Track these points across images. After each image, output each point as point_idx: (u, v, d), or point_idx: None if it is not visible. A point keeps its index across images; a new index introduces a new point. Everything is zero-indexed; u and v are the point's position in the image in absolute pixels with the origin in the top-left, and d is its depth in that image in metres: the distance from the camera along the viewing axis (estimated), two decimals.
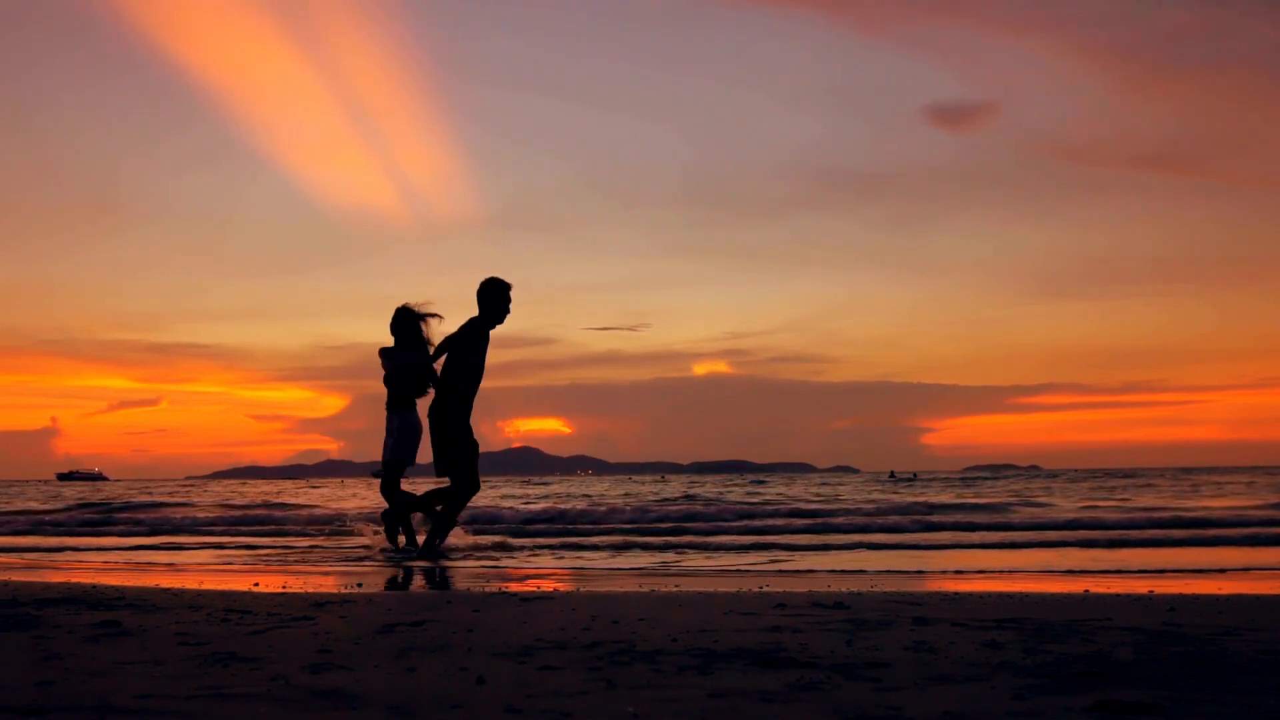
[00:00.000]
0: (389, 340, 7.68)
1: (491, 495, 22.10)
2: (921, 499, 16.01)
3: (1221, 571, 6.02)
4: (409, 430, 7.60)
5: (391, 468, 7.69)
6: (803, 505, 14.81)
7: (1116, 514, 12.05)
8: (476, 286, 7.30)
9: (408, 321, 7.63)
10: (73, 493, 28.94)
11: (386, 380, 7.61)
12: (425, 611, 3.62)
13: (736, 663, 2.52)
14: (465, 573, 6.11)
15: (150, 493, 29.38)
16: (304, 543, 9.39)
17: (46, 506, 18.43)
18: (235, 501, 19.47)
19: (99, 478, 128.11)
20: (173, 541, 10.03)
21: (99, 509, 16.10)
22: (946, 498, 17.58)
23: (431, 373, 7.51)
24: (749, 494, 21.35)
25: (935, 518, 11.86)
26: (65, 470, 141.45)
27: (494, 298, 7.25)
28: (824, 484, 35.51)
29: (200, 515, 14.33)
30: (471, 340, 7.23)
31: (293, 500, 20.06)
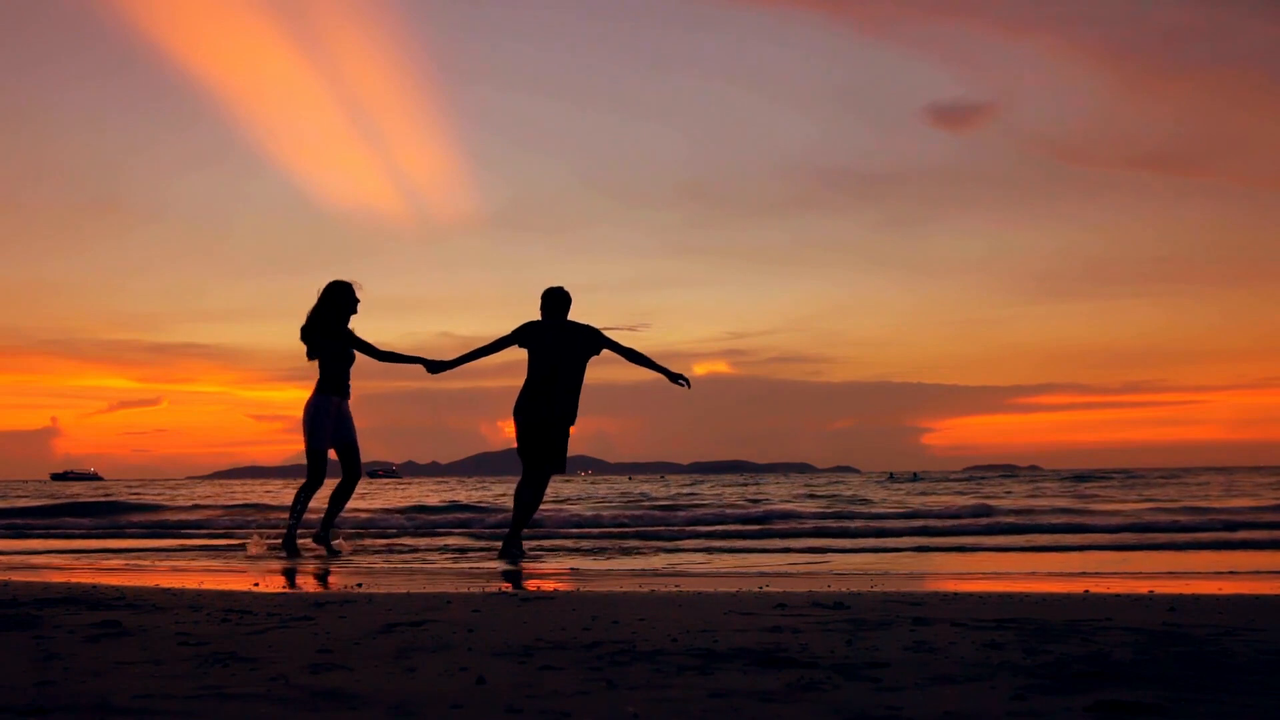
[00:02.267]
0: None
1: (493, 496, 22.09)
2: (984, 501, 15.63)
3: (1222, 574, 6.02)
4: None
5: None
6: (883, 509, 14.58)
7: (1164, 516, 11.83)
8: (541, 292, 7.54)
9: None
10: (66, 493, 28.82)
11: (338, 361, 7.50)
12: (425, 611, 3.62)
13: (736, 663, 2.52)
14: (466, 573, 6.11)
15: (138, 493, 29.29)
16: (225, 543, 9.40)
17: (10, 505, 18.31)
18: (209, 503, 19.30)
19: (94, 477, 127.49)
20: (106, 546, 10.00)
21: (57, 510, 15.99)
22: (1012, 501, 17.08)
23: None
24: (751, 495, 21.31)
25: (997, 520, 11.59)
26: (60, 470, 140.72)
27: (565, 305, 7.52)
28: (831, 483, 35.42)
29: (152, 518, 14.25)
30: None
31: (275, 501, 19.86)
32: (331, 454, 7.52)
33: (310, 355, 7.44)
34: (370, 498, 22.28)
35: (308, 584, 5.35)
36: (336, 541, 7.66)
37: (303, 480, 7.53)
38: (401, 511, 15.20)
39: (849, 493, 22.68)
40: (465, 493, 25.77)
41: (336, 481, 7.66)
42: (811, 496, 20.45)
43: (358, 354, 7.55)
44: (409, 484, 50.56)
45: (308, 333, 7.42)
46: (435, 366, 7.51)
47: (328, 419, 7.42)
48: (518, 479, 7.44)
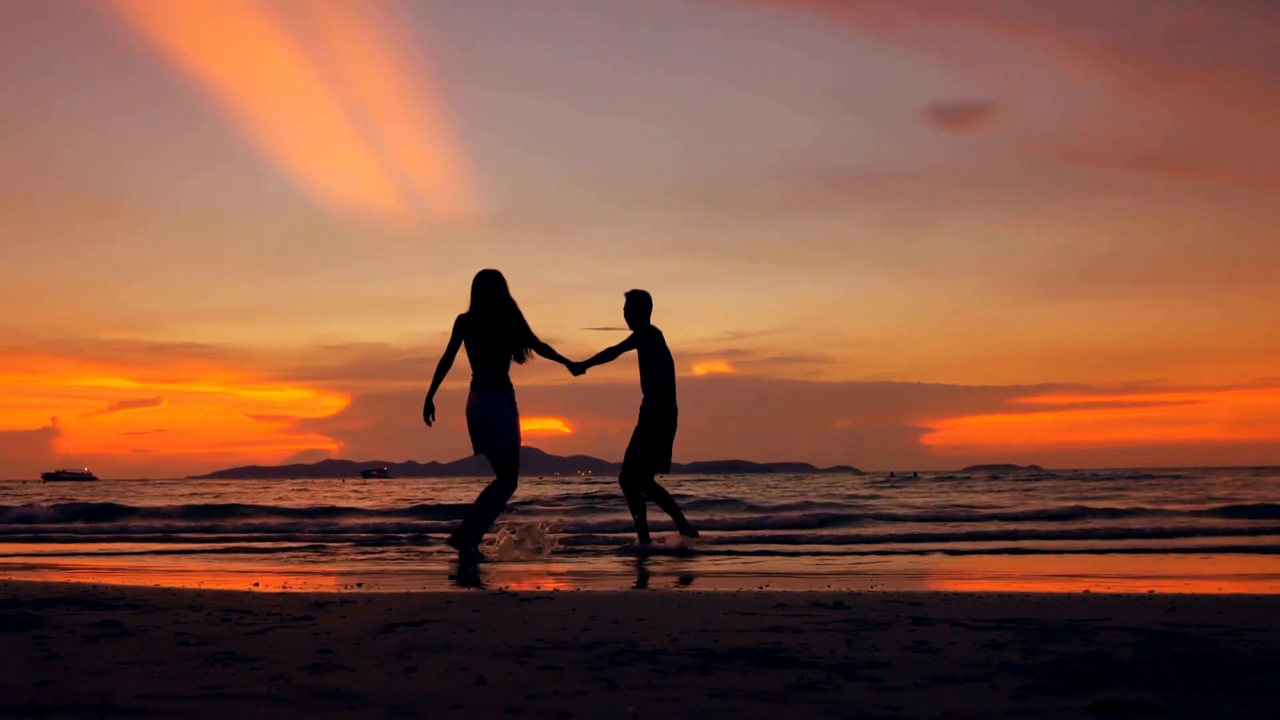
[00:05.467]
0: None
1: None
2: (1073, 503, 15.21)
3: (1222, 574, 6.02)
4: None
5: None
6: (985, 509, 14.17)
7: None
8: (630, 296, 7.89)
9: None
10: (57, 494, 28.52)
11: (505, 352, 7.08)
12: (425, 611, 3.62)
13: (736, 663, 2.52)
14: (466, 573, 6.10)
15: (135, 493, 29.16)
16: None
17: None
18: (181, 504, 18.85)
19: (88, 478, 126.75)
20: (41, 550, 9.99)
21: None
22: (1105, 502, 16.54)
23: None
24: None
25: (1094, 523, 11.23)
26: (53, 470, 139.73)
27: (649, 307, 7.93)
28: (834, 483, 35.35)
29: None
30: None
31: (248, 502, 19.32)
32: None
33: (510, 351, 7.06)
34: (369, 498, 22.29)
35: (307, 584, 5.35)
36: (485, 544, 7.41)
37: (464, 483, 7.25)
38: (401, 513, 15.21)
39: (868, 493, 22.59)
40: (461, 493, 25.76)
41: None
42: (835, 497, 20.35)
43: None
44: (405, 484, 50.56)
45: (516, 328, 7.05)
46: (577, 368, 7.62)
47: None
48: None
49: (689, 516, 8.72)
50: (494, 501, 7.13)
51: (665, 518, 8.33)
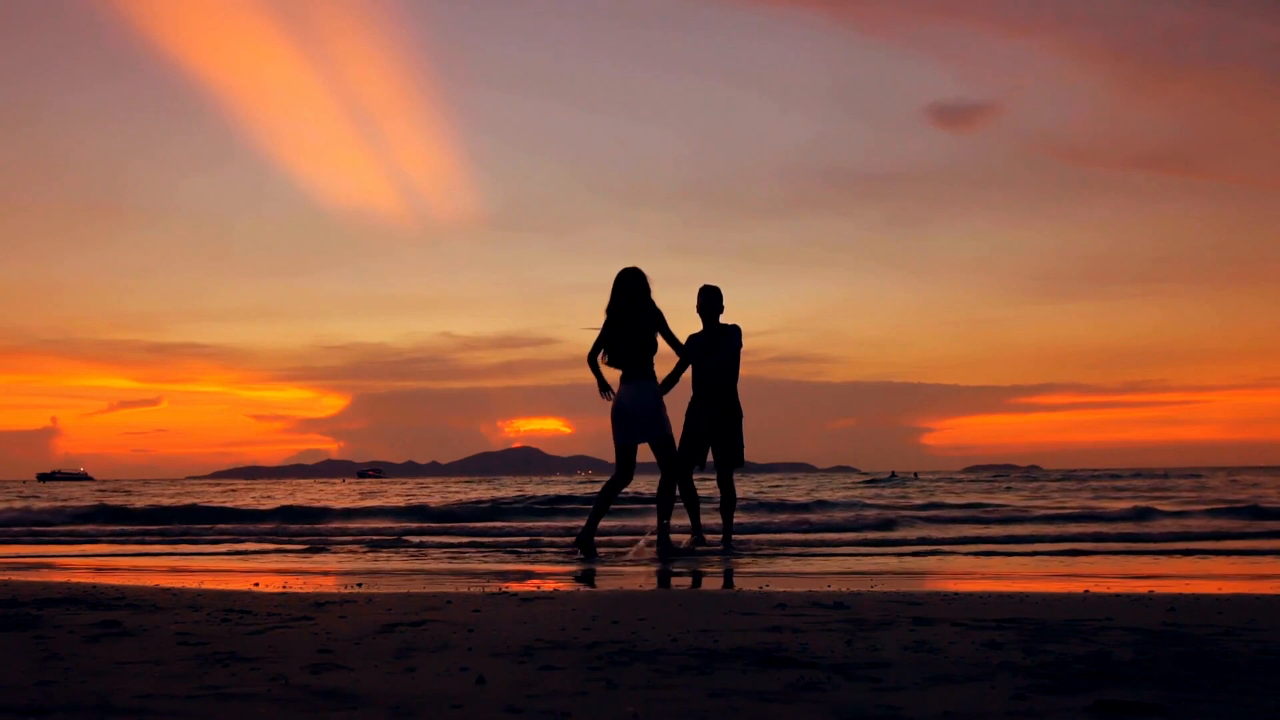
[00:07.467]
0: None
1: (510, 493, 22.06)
2: (1138, 503, 14.99)
3: (1222, 574, 6.01)
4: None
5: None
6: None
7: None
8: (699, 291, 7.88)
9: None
10: (51, 495, 28.21)
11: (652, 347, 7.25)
12: (425, 611, 3.62)
13: (736, 663, 2.52)
14: (466, 573, 6.10)
15: (133, 493, 29.03)
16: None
17: None
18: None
19: (84, 478, 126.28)
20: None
21: None
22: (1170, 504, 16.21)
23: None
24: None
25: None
26: (48, 470, 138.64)
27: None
28: (845, 484, 35.37)
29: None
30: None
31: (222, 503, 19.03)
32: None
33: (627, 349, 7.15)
34: (365, 498, 22.29)
35: (307, 584, 5.35)
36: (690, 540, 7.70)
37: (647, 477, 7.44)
38: (403, 513, 15.22)
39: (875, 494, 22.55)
40: (459, 493, 25.74)
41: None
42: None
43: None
44: (404, 483, 50.56)
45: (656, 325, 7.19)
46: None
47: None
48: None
49: (708, 520, 8.63)
50: (665, 492, 7.39)
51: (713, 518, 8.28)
